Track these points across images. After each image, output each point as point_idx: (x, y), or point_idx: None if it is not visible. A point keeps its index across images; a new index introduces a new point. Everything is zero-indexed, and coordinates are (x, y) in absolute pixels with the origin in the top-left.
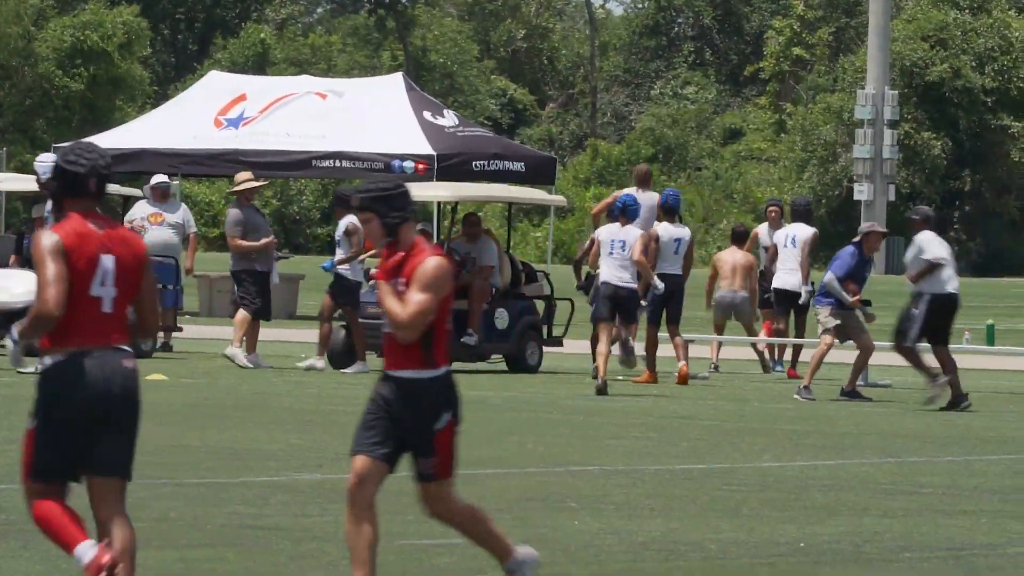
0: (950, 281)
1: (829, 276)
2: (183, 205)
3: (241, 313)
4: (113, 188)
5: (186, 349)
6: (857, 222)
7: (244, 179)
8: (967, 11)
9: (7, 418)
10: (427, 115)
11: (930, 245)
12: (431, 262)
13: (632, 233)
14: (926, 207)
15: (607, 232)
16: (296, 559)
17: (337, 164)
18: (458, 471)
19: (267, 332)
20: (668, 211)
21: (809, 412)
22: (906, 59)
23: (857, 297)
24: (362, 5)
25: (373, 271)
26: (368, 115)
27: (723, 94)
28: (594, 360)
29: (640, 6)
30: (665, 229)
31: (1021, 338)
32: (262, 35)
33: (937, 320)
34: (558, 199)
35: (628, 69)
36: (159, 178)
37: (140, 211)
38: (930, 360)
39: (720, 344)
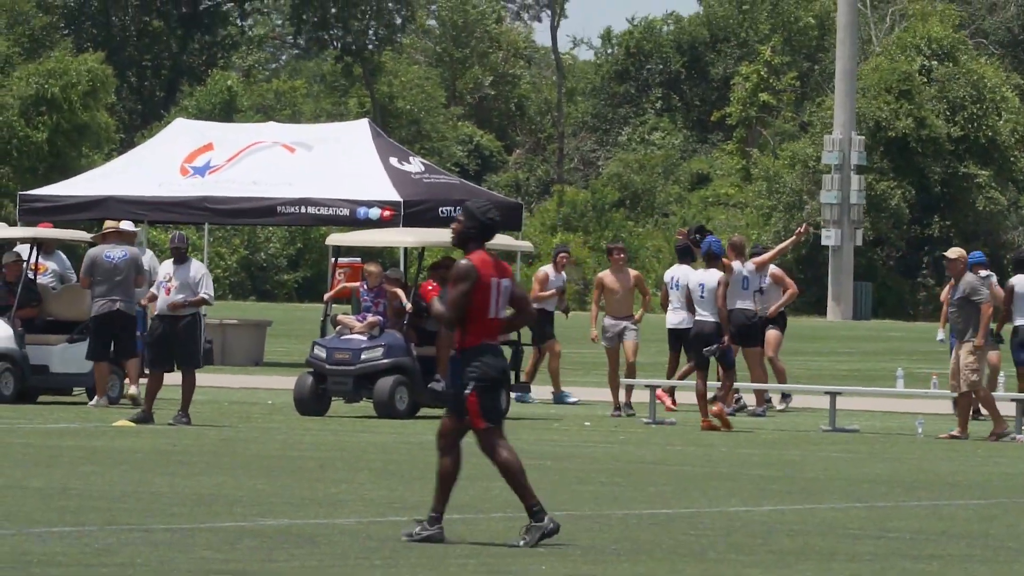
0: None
1: None
2: (149, 252)
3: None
4: (80, 235)
5: (165, 396)
6: (824, 268)
7: (109, 225)
8: (933, 58)
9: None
10: (393, 161)
11: None
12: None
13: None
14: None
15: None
16: None
17: (303, 211)
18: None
19: (233, 379)
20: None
21: (776, 458)
22: (872, 117)
23: None
24: (327, 51)
25: (340, 316)
26: (334, 162)
27: (690, 140)
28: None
29: (610, 51)
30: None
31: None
32: (229, 82)
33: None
34: (525, 245)
35: (596, 114)
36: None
37: None
38: None
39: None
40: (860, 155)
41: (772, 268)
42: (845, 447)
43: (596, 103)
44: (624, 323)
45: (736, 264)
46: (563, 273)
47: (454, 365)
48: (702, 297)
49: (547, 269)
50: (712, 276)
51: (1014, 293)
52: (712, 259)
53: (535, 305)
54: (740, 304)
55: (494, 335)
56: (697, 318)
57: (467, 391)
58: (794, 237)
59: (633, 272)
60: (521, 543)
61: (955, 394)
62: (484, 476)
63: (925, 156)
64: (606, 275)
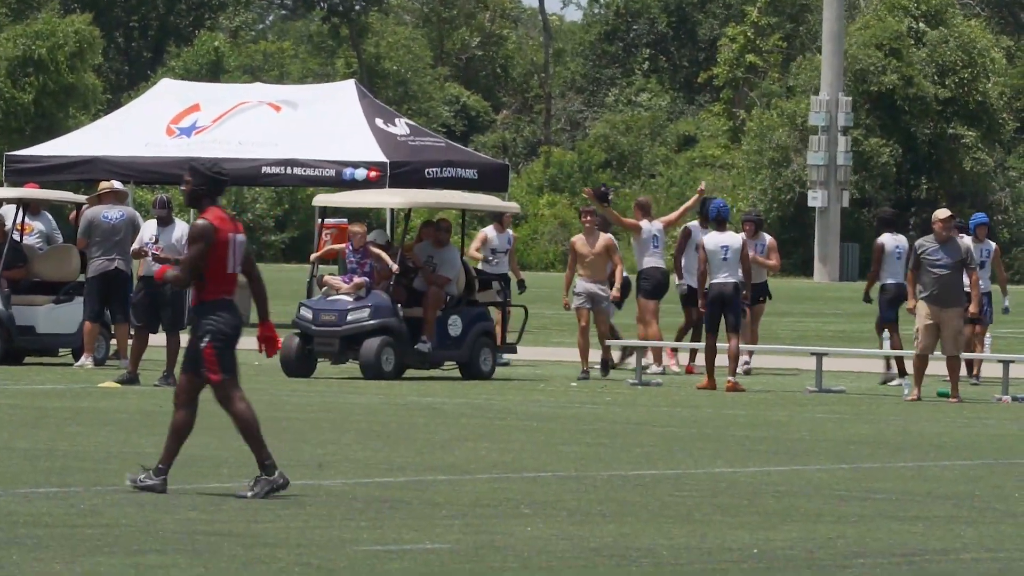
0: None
1: None
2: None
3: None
4: (67, 196)
5: (151, 357)
6: (811, 229)
7: (104, 186)
8: (921, 20)
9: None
10: (379, 122)
11: None
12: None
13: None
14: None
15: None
16: (248, 565)
17: (288, 171)
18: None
19: None
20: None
21: (762, 419)
22: (858, 64)
23: None
24: (315, 11)
25: (326, 277)
26: (320, 123)
27: (677, 101)
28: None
29: (598, 12)
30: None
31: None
32: (216, 43)
33: None
34: (512, 206)
35: (584, 75)
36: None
37: None
38: None
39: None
40: (847, 116)
41: (768, 238)
42: (831, 408)
43: (584, 64)
44: (595, 286)
45: (644, 223)
46: (509, 232)
47: (200, 316)
48: (724, 259)
49: (488, 229)
50: (736, 239)
51: (884, 252)
52: (721, 223)
53: (478, 267)
54: (651, 262)
55: (231, 289)
56: (715, 280)
57: (203, 344)
58: (696, 196)
59: (605, 236)
60: (249, 494)
61: (918, 352)
62: (472, 437)
63: (912, 116)
64: (578, 239)
